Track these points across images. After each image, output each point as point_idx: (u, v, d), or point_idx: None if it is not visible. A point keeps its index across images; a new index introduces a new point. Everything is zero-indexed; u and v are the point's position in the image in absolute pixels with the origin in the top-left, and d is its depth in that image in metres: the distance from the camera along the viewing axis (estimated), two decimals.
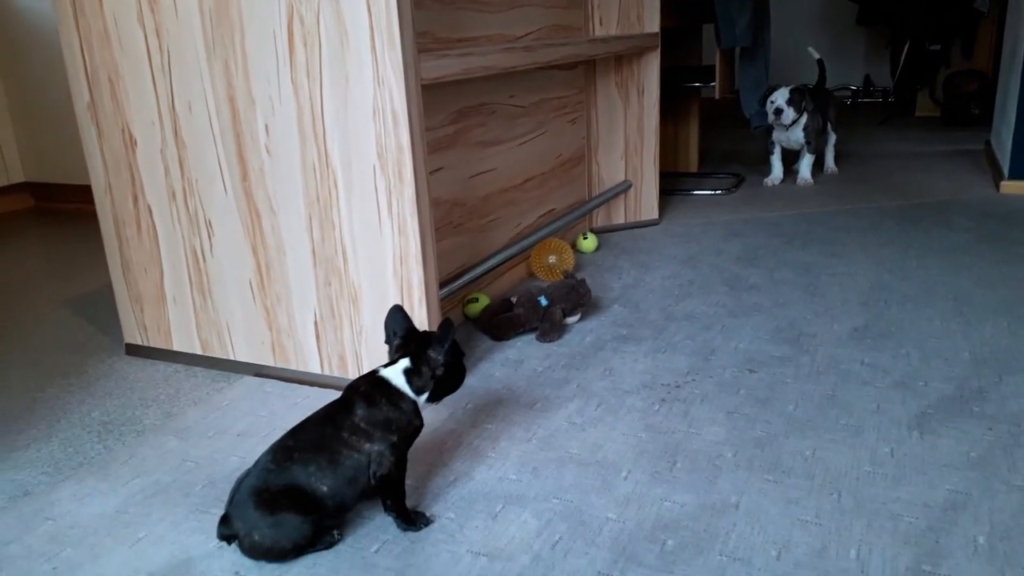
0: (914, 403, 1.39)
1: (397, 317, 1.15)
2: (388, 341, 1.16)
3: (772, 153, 3.21)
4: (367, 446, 1.06)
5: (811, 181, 3.15)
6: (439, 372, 1.11)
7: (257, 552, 1.03)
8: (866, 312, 1.81)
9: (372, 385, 1.10)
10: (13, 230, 3.11)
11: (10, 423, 1.50)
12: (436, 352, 1.11)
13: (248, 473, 1.05)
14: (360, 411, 1.07)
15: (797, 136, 3.12)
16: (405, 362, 1.11)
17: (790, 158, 3.31)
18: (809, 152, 3.15)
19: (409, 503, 1.14)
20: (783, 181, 3.20)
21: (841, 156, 3.56)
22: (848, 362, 1.56)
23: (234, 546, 1.06)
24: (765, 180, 3.21)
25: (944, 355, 1.58)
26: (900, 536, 1.05)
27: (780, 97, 3.03)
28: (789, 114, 3.03)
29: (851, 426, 1.33)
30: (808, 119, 3.09)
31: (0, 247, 2.84)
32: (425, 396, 1.12)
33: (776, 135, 3.16)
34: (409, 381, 1.10)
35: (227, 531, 1.04)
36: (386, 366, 1.12)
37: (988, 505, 1.10)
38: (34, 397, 1.61)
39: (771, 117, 3.05)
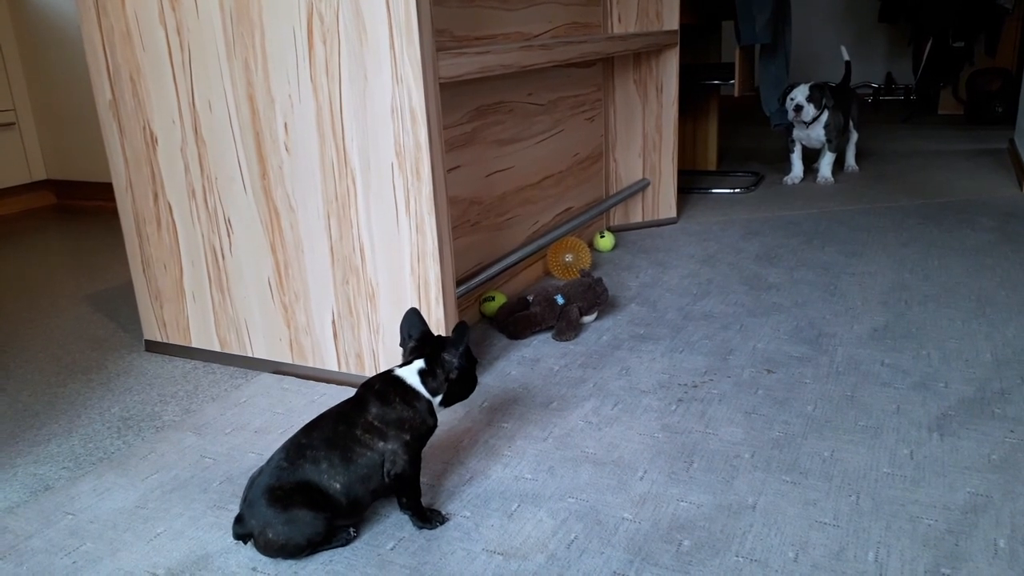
0: (934, 404, 1.38)
1: (413, 320, 1.16)
2: (403, 343, 1.16)
3: (792, 151, 3.19)
4: (381, 444, 1.06)
5: (832, 180, 3.12)
6: (452, 375, 1.12)
7: (271, 550, 1.04)
8: (887, 312, 1.79)
9: (387, 384, 1.10)
10: (35, 227, 3.14)
11: (31, 418, 1.52)
12: (451, 355, 1.11)
13: (261, 471, 1.06)
14: (374, 409, 1.08)
15: (818, 134, 3.10)
16: (420, 363, 1.11)
17: (810, 156, 3.29)
18: (830, 150, 3.13)
19: (425, 501, 1.15)
20: (803, 180, 3.18)
21: (862, 154, 3.53)
22: (868, 363, 1.55)
23: (251, 543, 1.06)
24: (785, 179, 3.19)
25: (965, 356, 1.56)
26: (919, 538, 1.04)
27: (800, 94, 3.02)
28: (809, 111, 3.01)
29: (870, 427, 1.32)
30: (829, 116, 3.06)
31: (22, 244, 2.88)
32: (439, 398, 1.12)
33: (796, 133, 3.14)
34: (424, 382, 1.11)
35: (242, 530, 1.04)
36: (401, 366, 1.13)
37: (1009, 508, 1.09)
38: (55, 392, 1.62)
39: (791, 114, 3.03)
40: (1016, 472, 1.17)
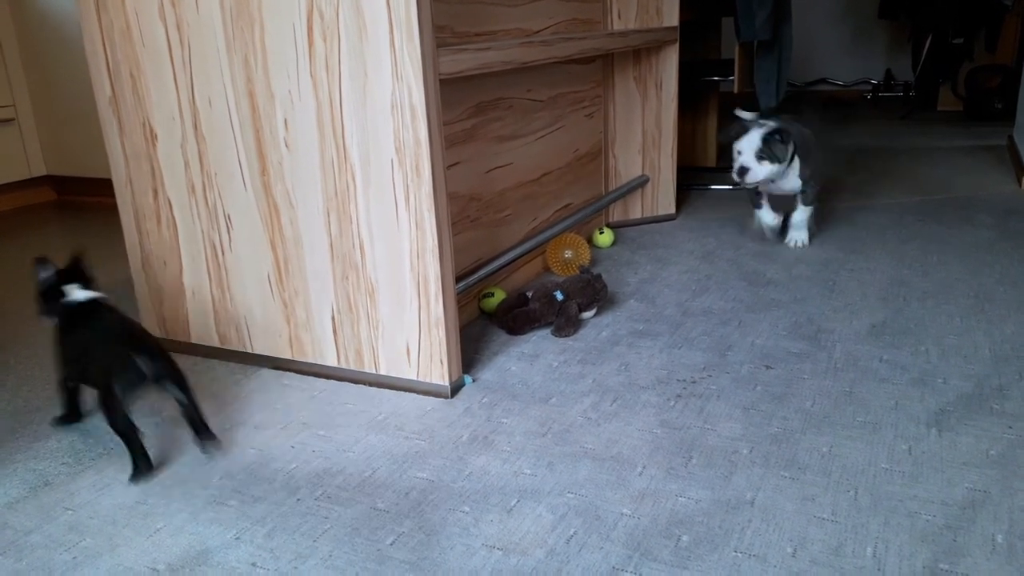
0: (933, 400, 1.38)
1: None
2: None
3: (758, 206, 2.31)
4: None
5: (807, 244, 2.26)
6: None
7: None
8: (885, 308, 1.80)
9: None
10: (35, 223, 3.14)
11: (31, 413, 1.52)
12: None
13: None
14: None
15: (793, 184, 2.19)
16: None
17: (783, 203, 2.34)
18: (804, 203, 2.23)
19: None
20: (777, 232, 2.33)
21: (862, 151, 3.52)
22: (866, 359, 1.55)
23: (251, 537, 1.07)
24: (753, 227, 2.40)
25: (964, 352, 1.56)
26: (917, 534, 1.04)
27: (748, 148, 2.07)
28: (758, 172, 2.07)
29: (869, 423, 1.32)
30: (801, 164, 2.15)
31: (22, 239, 2.88)
32: None
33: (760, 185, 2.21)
34: None
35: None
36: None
37: (1007, 503, 1.10)
38: (55, 389, 1.62)
39: (736, 177, 2.11)
40: (1014, 468, 1.18)
